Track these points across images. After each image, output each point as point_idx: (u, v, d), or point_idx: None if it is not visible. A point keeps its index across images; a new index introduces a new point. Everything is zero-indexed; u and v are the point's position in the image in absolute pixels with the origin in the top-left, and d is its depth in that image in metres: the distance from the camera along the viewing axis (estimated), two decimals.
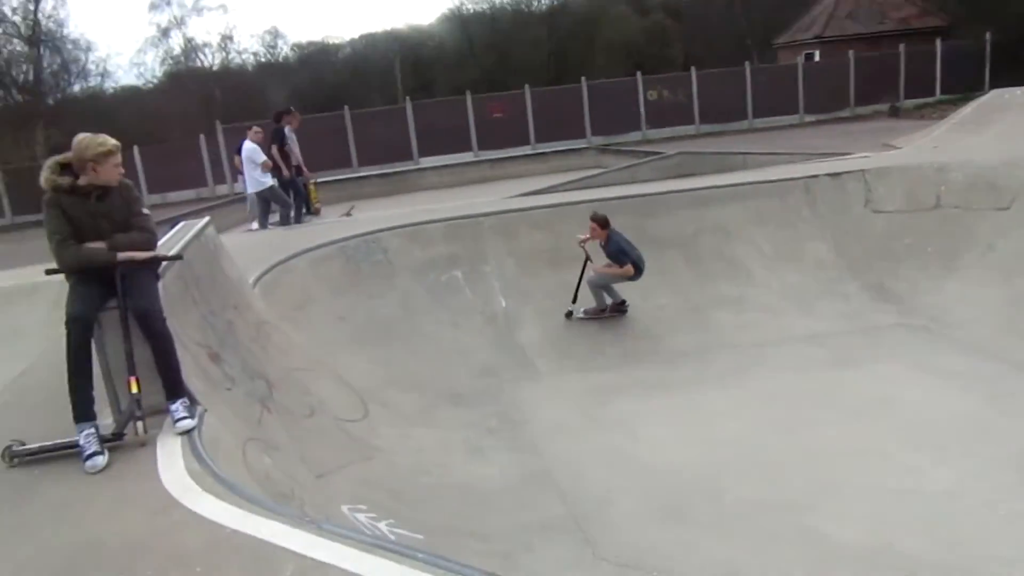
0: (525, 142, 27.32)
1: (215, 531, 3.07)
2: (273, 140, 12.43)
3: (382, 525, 4.51)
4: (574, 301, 8.99)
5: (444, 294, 9.02)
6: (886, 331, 8.71)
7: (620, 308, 9.06)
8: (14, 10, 34.56)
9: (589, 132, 27.96)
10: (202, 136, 26.17)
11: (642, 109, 28.52)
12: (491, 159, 24.30)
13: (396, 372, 7.71)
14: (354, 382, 7.00)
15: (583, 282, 8.98)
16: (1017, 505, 5.10)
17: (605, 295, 9.00)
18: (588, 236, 8.86)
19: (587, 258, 9.00)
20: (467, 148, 27.28)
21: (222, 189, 25.57)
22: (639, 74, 28.88)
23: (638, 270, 8.75)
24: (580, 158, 23.70)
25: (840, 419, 6.64)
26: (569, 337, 8.82)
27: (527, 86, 28.29)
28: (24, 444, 4.03)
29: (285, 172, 12.42)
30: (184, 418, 4.05)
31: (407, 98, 28.97)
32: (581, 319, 8.96)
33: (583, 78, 28.67)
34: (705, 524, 5.15)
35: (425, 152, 26.89)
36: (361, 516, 4.48)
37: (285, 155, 12.48)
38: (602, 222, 8.72)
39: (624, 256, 8.68)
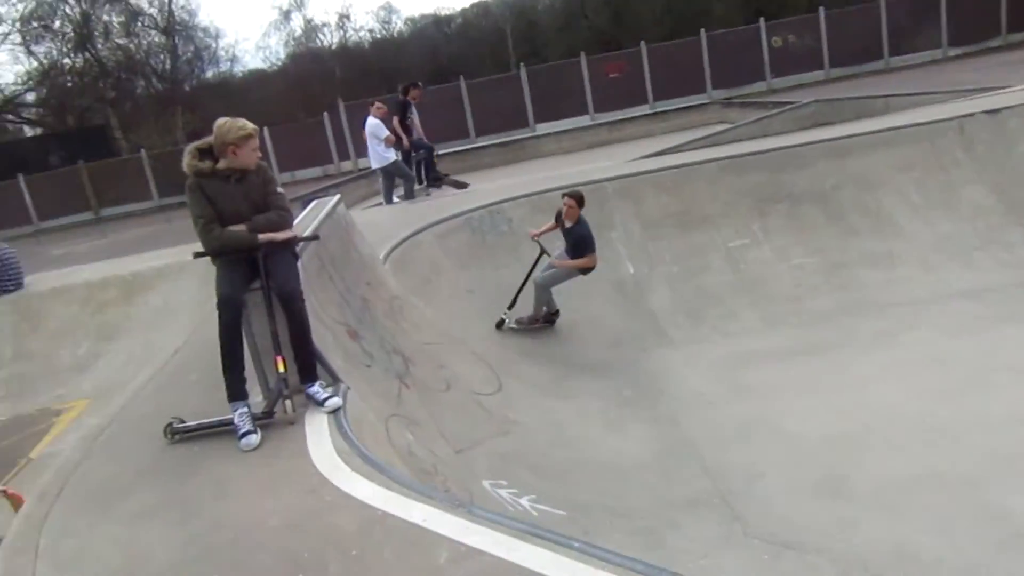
0: (643, 101, 26.58)
1: (367, 512, 3.08)
2: (395, 111, 12.61)
3: (524, 501, 4.46)
4: (511, 307, 7.92)
5: None
6: None
7: (551, 319, 8.07)
8: (151, 2, 36.91)
9: (709, 86, 26.88)
10: (325, 114, 26.97)
11: (766, 57, 27.10)
12: (609, 121, 23.71)
13: (526, 344, 7.66)
14: (485, 355, 7.00)
15: (529, 282, 7.97)
16: None
17: (544, 300, 8.02)
18: (543, 229, 8.10)
19: (542, 251, 8.04)
20: (583, 112, 26.82)
21: (346, 165, 26.35)
22: (762, 20, 27.41)
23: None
24: (702, 114, 22.79)
25: (1011, 382, 6.06)
26: (701, 302, 8.48)
27: (643, 43, 27.43)
28: (183, 421, 4.22)
29: (405, 142, 12.59)
30: (330, 397, 4.10)
31: (521, 64, 28.73)
32: (513, 329, 7.89)
33: (701, 30, 27.49)
34: (865, 500, 4.81)
35: (541, 118, 26.67)
36: (503, 492, 4.45)
37: (406, 127, 12.64)
38: (580, 199, 7.82)
39: (592, 242, 7.79)
